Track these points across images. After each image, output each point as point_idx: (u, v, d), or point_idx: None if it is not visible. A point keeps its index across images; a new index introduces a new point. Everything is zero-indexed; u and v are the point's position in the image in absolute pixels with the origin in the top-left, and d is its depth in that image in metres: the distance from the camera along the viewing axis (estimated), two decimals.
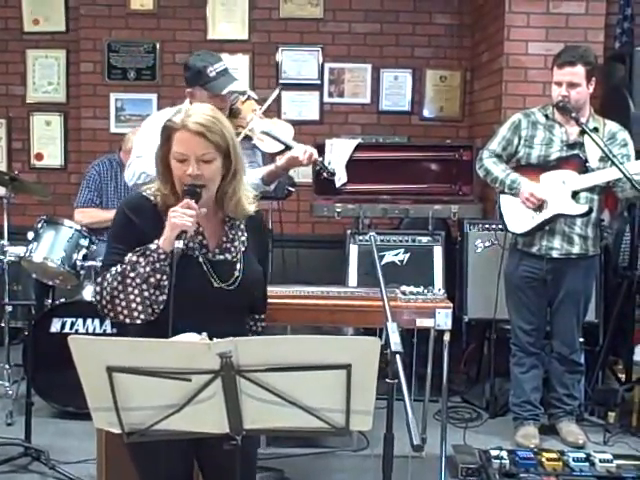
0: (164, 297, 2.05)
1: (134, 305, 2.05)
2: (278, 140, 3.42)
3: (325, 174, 3.49)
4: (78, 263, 4.16)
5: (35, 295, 4.40)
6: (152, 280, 2.03)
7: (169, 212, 2.06)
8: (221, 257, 2.16)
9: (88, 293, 4.18)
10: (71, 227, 4.22)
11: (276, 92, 3.59)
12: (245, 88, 3.90)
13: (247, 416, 1.79)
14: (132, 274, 2.04)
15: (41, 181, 5.90)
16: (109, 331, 4.07)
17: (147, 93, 5.90)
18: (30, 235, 4.18)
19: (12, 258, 4.20)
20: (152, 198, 2.18)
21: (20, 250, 4.22)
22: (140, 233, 2.10)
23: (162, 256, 2.04)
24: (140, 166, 3.31)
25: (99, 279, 2.10)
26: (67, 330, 4.05)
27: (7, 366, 4.17)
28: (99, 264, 4.15)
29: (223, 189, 2.15)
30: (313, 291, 3.34)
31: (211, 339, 1.76)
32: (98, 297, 2.08)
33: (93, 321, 4.08)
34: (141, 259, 2.05)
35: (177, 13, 5.86)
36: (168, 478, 2.11)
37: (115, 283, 2.05)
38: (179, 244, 2.01)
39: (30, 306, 4.03)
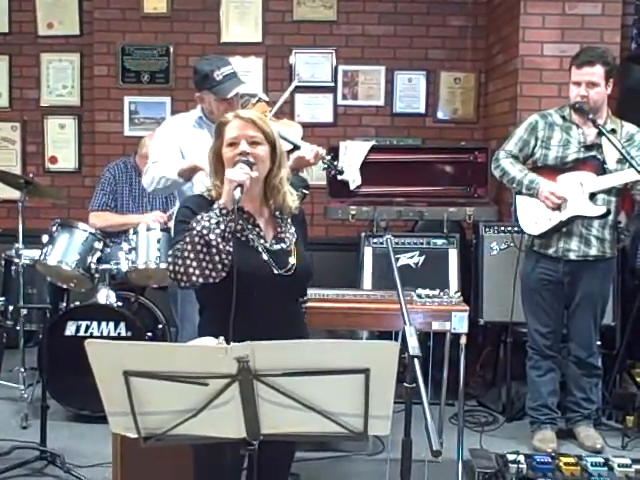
0: (230, 248, 2.15)
1: (204, 263, 2.15)
2: (286, 140, 3.43)
3: (333, 171, 3.50)
4: (92, 266, 4.16)
5: (50, 298, 4.40)
6: (218, 231, 2.14)
7: (225, 173, 2.21)
8: (277, 247, 2.30)
9: (102, 296, 4.19)
10: (85, 230, 4.22)
11: (291, 88, 3.59)
12: (255, 91, 3.90)
13: (264, 421, 1.78)
14: (198, 228, 2.14)
15: (55, 184, 5.91)
16: (124, 334, 4.07)
17: (161, 96, 5.90)
18: (44, 238, 4.19)
19: (27, 261, 4.21)
20: (207, 196, 2.33)
21: (35, 253, 4.23)
22: None
23: (224, 210, 2.16)
24: (159, 171, 3.32)
25: (169, 252, 2.21)
26: (82, 333, 4.05)
27: (22, 369, 4.17)
28: (113, 267, 4.17)
29: (270, 182, 2.31)
30: (328, 294, 3.33)
31: (228, 342, 1.75)
32: (171, 266, 2.19)
33: (108, 324, 4.08)
34: (205, 216, 2.17)
35: (190, 16, 5.86)
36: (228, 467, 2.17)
37: (185, 245, 2.16)
38: (238, 194, 2.14)
39: (45, 309, 4.04)
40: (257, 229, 2.30)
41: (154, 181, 3.34)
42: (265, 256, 2.26)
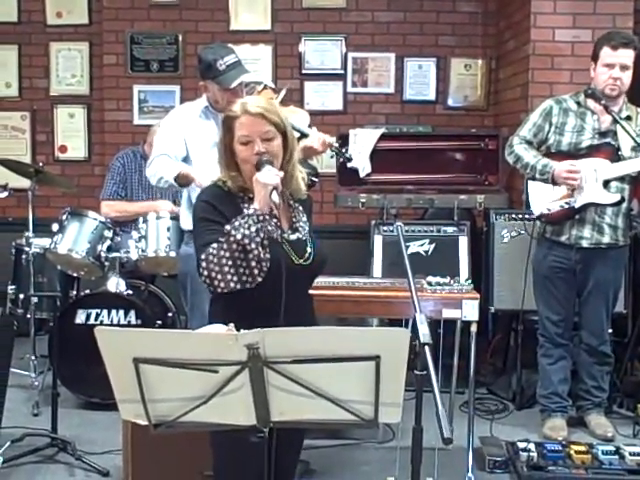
0: (269, 255, 2.14)
1: (242, 270, 2.13)
2: (294, 128, 3.40)
3: (341, 158, 3.49)
4: (102, 255, 4.18)
5: (60, 287, 4.41)
6: (258, 239, 2.12)
7: (254, 177, 2.18)
8: (294, 236, 2.29)
9: (112, 284, 4.20)
10: (95, 219, 4.23)
11: (286, 89, 3.57)
12: (260, 79, 3.89)
13: (275, 408, 1.77)
14: (239, 236, 2.11)
15: (65, 173, 5.92)
16: (134, 322, 4.08)
17: (170, 85, 5.89)
18: (55, 227, 4.20)
19: (37, 250, 4.22)
20: (223, 186, 2.29)
21: (45, 242, 4.24)
22: (223, 217, 2.20)
23: (261, 217, 2.14)
24: (160, 169, 3.31)
25: (202, 256, 2.15)
26: (92, 321, 4.07)
27: (33, 357, 4.20)
28: (123, 255, 4.18)
29: (286, 169, 2.27)
30: (338, 282, 3.32)
31: (238, 330, 1.74)
32: (206, 272, 2.14)
33: (118, 312, 4.09)
34: (243, 222, 2.13)
35: (199, 4, 5.84)
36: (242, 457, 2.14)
37: (222, 252, 2.12)
38: (275, 197, 2.14)
39: (55, 297, 4.05)
40: (275, 220, 2.27)
41: (155, 177, 3.35)
42: (285, 247, 2.24)
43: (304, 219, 2.35)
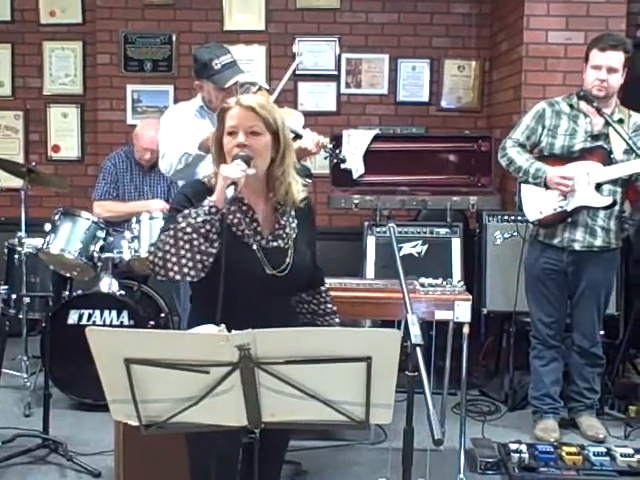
0: (213, 250, 2.08)
1: (184, 261, 2.08)
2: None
3: (335, 160, 3.50)
4: (95, 255, 4.16)
5: (52, 287, 4.39)
6: (202, 230, 2.07)
7: (220, 169, 2.13)
8: (274, 244, 2.21)
9: (105, 285, 4.19)
10: (88, 219, 4.22)
11: (293, 66, 3.54)
12: (255, 79, 3.88)
13: (266, 409, 1.77)
14: (183, 224, 2.07)
15: (58, 173, 5.90)
16: (127, 322, 4.07)
17: (164, 85, 5.88)
18: (47, 227, 4.18)
19: (29, 250, 4.20)
20: (207, 182, 2.24)
21: (37, 242, 4.23)
22: None
23: (213, 209, 2.08)
24: (179, 150, 3.27)
25: (154, 241, 2.15)
26: (84, 322, 4.06)
27: (25, 358, 4.18)
28: (116, 256, 4.17)
29: (273, 173, 2.20)
30: (331, 283, 3.29)
31: (230, 330, 1.74)
32: (151, 257, 2.12)
33: (110, 313, 4.08)
34: (192, 212, 2.10)
35: (193, 4, 5.83)
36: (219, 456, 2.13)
37: (168, 238, 2.09)
38: (230, 192, 2.06)
39: (47, 298, 4.05)
40: (254, 224, 2.20)
41: (174, 163, 3.29)
42: (259, 254, 2.17)
43: (293, 225, 2.26)
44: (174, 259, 2.07)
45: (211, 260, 2.08)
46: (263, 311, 2.07)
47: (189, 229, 2.06)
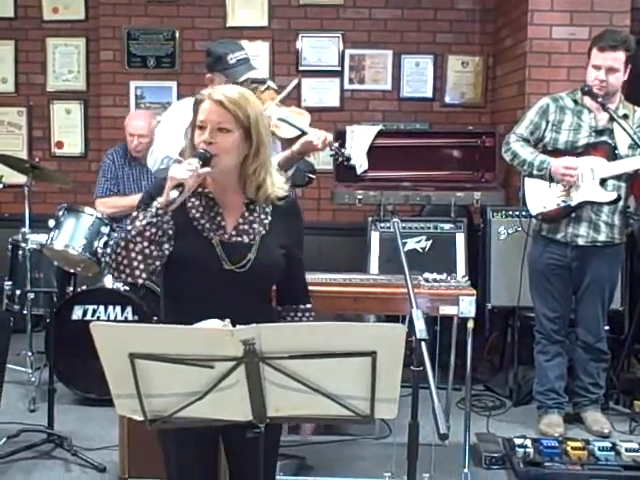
0: (161, 253, 2.04)
1: (135, 263, 2.03)
2: (294, 126, 3.43)
3: (340, 158, 3.50)
4: (99, 250, 4.16)
5: (57, 283, 4.41)
6: (147, 234, 2.01)
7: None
8: (237, 239, 2.13)
9: (109, 280, 4.19)
10: (92, 215, 4.23)
11: (295, 82, 3.57)
12: (265, 77, 3.88)
13: (271, 404, 1.77)
14: (129, 227, 2.03)
15: (62, 169, 5.91)
16: (131, 318, 4.08)
17: (167, 81, 5.88)
18: (51, 223, 4.19)
19: (34, 246, 4.21)
20: None
21: (41, 238, 4.24)
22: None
23: (159, 211, 2.01)
24: (163, 151, 3.32)
25: (109, 242, 2.10)
26: (89, 317, 4.06)
27: (29, 353, 4.19)
28: None
29: (245, 170, 2.12)
30: (335, 278, 3.32)
31: (234, 325, 1.74)
32: (106, 258, 2.07)
33: (115, 308, 4.09)
34: (140, 215, 2.05)
35: (196, 0, 5.82)
36: (196, 458, 2.13)
37: (119, 240, 2.04)
38: (174, 194, 1.99)
39: (52, 294, 4.05)
40: (218, 218, 2.12)
41: (157, 161, 3.34)
42: (218, 249, 2.09)
43: (265, 222, 2.16)
44: (125, 261, 2.03)
45: (158, 263, 2.04)
46: (231, 309, 1.95)
47: (134, 232, 2.01)
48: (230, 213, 2.15)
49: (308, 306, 2.30)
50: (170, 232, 2.04)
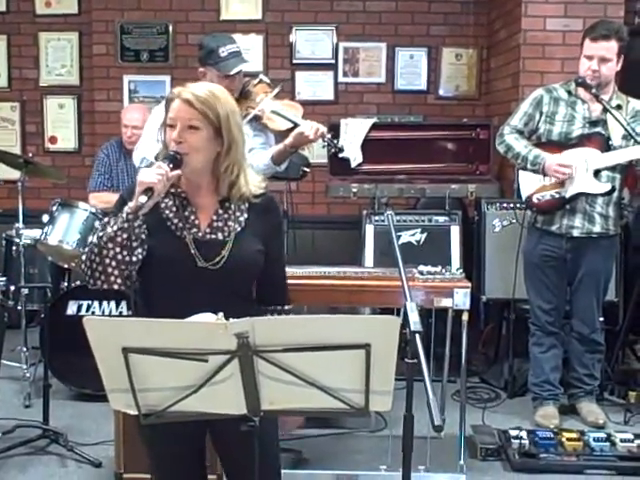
0: (134, 258, 2.02)
1: (110, 269, 2.03)
2: (286, 118, 3.44)
3: (333, 149, 3.52)
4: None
5: (51, 278, 4.40)
6: (119, 239, 2.00)
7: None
8: (211, 237, 2.11)
9: None
10: (86, 210, 4.22)
11: (276, 90, 3.56)
12: (257, 71, 3.88)
13: (265, 397, 1.77)
14: (101, 234, 2.02)
15: (55, 164, 5.89)
16: (125, 313, 4.07)
17: (160, 75, 5.86)
18: (45, 218, 4.19)
19: (28, 241, 4.21)
20: None
21: (35, 233, 4.23)
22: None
23: (130, 216, 1.99)
24: (142, 151, 3.32)
25: (85, 249, 2.10)
26: (83, 313, 4.06)
27: (24, 349, 4.18)
28: None
29: (217, 168, 2.11)
30: (330, 272, 3.31)
31: (227, 319, 1.73)
32: (82, 265, 2.06)
33: (109, 303, 4.08)
34: (112, 220, 2.04)
35: None
36: (177, 455, 2.12)
37: (92, 247, 2.04)
38: (142, 199, 1.97)
39: (46, 289, 4.04)
40: (192, 217, 2.11)
41: (138, 160, 3.35)
42: (191, 246, 2.07)
43: (240, 219, 2.13)
44: (100, 268, 2.02)
45: (132, 268, 2.03)
46: (201, 305, 1.95)
47: (105, 238, 2.00)
48: (204, 211, 2.14)
49: (286, 308, 2.28)
50: (143, 237, 2.03)
